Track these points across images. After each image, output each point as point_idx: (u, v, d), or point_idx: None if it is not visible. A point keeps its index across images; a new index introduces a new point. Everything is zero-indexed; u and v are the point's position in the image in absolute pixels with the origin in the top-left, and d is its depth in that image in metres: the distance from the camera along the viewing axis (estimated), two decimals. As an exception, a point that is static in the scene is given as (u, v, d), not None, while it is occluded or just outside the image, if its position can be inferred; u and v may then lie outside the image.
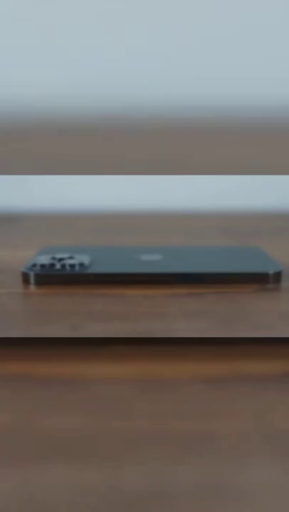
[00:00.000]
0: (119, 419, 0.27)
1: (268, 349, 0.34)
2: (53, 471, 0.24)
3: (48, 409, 0.28)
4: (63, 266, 0.45)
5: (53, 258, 0.46)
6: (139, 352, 0.34)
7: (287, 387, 0.30)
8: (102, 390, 0.30)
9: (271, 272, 0.44)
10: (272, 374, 0.32)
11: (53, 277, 0.44)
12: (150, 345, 0.35)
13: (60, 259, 0.46)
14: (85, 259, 0.46)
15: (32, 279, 0.44)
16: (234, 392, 0.30)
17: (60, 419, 0.27)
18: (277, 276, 0.44)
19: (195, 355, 0.34)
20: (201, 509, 0.22)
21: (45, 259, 0.46)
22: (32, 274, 0.44)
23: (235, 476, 0.23)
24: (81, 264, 0.45)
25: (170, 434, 0.26)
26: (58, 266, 0.45)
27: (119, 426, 0.27)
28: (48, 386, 0.30)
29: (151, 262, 0.47)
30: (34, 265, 0.45)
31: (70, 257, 0.46)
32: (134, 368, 0.32)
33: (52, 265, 0.45)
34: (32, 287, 0.44)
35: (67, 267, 0.45)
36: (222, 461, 0.24)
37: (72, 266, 0.45)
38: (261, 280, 0.44)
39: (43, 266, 0.45)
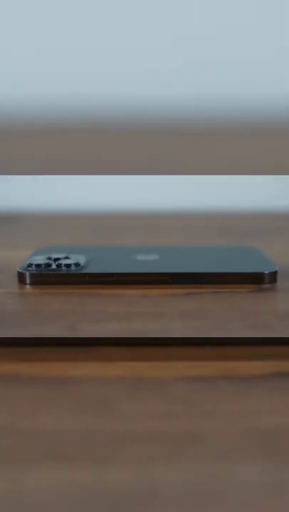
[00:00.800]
0: (108, 419, 0.27)
1: (261, 349, 0.34)
2: (43, 471, 0.24)
3: (37, 410, 0.28)
4: (59, 266, 0.45)
5: (49, 258, 0.46)
6: (133, 352, 0.34)
7: (273, 386, 0.30)
8: (94, 390, 0.30)
9: (267, 272, 0.44)
10: (261, 374, 0.32)
11: (48, 277, 0.44)
12: (144, 345, 0.35)
13: (56, 259, 0.46)
14: (81, 259, 0.46)
15: (27, 279, 0.44)
16: (222, 392, 0.30)
17: (49, 419, 0.27)
18: (273, 277, 0.44)
19: (187, 355, 0.34)
20: (190, 509, 0.22)
21: (40, 259, 0.46)
22: (27, 274, 0.44)
23: (223, 476, 0.23)
24: (77, 264, 0.45)
25: (159, 434, 0.26)
26: (53, 266, 0.45)
27: (108, 426, 0.27)
28: (37, 386, 0.30)
29: (148, 261, 0.47)
30: (30, 265, 0.45)
31: (66, 257, 0.46)
32: (127, 367, 0.32)
33: (48, 265, 0.45)
34: (28, 287, 0.44)
35: (63, 267, 0.45)
36: (210, 461, 0.24)
37: (67, 266, 0.45)
38: (257, 280, 0.44)
39: (38, 266, 0.45)
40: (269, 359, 0.33)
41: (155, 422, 0.27)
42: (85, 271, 0.44)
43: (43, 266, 0.45)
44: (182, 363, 0.33)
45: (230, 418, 0.27)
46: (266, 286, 0.44)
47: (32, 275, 0.44)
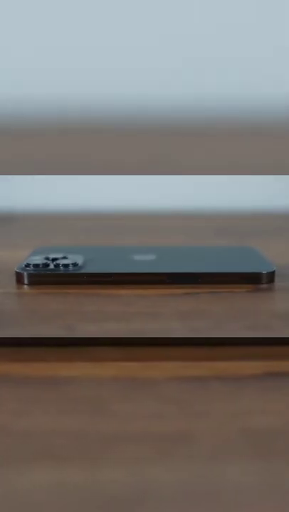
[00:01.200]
0: (101, 419, 0.27)
1: (254, 349, 0.34)
2: (36, 471, 0.24)
3: (30, 410, 0.28)
4: (57, 266, 0.45)
5: (47, 258, 0.46)
6: (126, 352, 0.34)
7: (266, 386, 0.30)
8: (87, 390, 0.30)
9: (264, 272, 0.44)
10: (253, 374, 0.32)
11: (46, 277, 0.44)
12: (141, 345, 0.35)
13: (54, 259, 0.46)
14: (79, 259, 0.46)
15: (25, 279, 0.44)
16: (214, 392, 0.30)
17: (42, 419, 0.27)
18: (271, 276, 0.44)
19: (180, 355, 0.34)
20: (183, 509, 0.22)
21: (38, 259, 0.46)
22: (25, 274, 0.44)
23: (216, 476, 0.23)
24: (74, 264, 0.45)
25: (151, 434, 0.26)
26: (51, 266, 0.45)
27: (101, 426, 0.27)
28: (30, 386, 0.30)
29: (145, 261, 0.47)
30: (28, 265, 0.45)
31: (64, 257, 0.46)
32: (120, 368, 0.32)
33: (45, 265, 0.45)
34: (25, 287, 0.44)
35: (61, 267, 0.45)
36: (203, 461, 0.24)
37: (65, 266, 0.45)
38: (255, 280, 0.44)
39: (36, 266, 0.45)
40: (262, 359, 0.33)
41: (148, 422, 0.27)
42: (82, 271, 0.44)
43: (40, 266, 0.45)
44: (175, 363, 0.33)
45: (223, 418, 0.27)
46: (264, 286, 0.44)
47: (30, 275, 0.44)
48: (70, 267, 0.45)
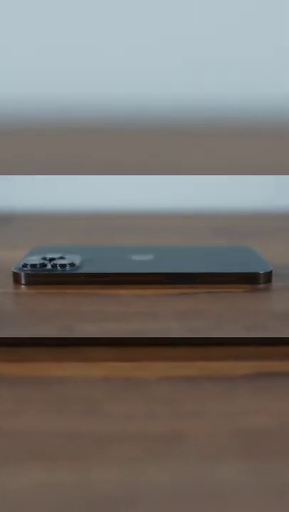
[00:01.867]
0: (93, 419, 0.27)
1: (246, 349, 0.34)
2: (26, 471, 0.24)
3: (22, 410, 0.28)
4: (54, 266, 0.45)
5: (44, 258, 0.46)
6: (118, 352, 0.34)
7: (257, 386, 0.30)
8: (78, 390, 0.30)
9: (262, 272, 0.44)
10: (245, 374, 0.32)
11: (43, 277, 0.44)
12: (140, 346, 0.35)
13: (51, 259, 0.46)
14: (76, 259, 0.46)
15: (22, 279, 0.44)
16: (206, 392, 0.30)
17: (34, 419, 0.27)
18: (268, 277, 0.44)
19: (172, 355, 0.34)
20: (176, 509, 0.22)
21: (36, 259, 0.46)
22: (22, 274, 0.44)
23: (209, 476, 0.23)
24: (72, 264, 0.45)
25: (144, 434, 0.26)
26: (48, 266, 0.45)
27: (93, 426, 0.27)
28: (22, 386, 0.30)
29: (143, 261, 0.47)
30: (25, 265, 0.45)
31: (61, 257, 0.46)
32: (112, 368, 0.32)
33: (43, 265, 0.45)
34: (23, 287, 0.44)
35: (58, 267, 0.45)
36: (195, 462, 0.24)
37: (62, 266, 0.45)
38: (252, 280, 0.44)
39: (33, 266, 0.45)
40: (255, 359, 0.33)
41: (141, 422, 0.27)
42: (80, 271, 0.44)
43: (38, 266, 0.45)
44: (167, 364, 0.33)
45: (215, 418, 0.27)
46: (261, 286, 0.44)
47: (27, 275, 0.44)
48: (68, 267, 0.45)
